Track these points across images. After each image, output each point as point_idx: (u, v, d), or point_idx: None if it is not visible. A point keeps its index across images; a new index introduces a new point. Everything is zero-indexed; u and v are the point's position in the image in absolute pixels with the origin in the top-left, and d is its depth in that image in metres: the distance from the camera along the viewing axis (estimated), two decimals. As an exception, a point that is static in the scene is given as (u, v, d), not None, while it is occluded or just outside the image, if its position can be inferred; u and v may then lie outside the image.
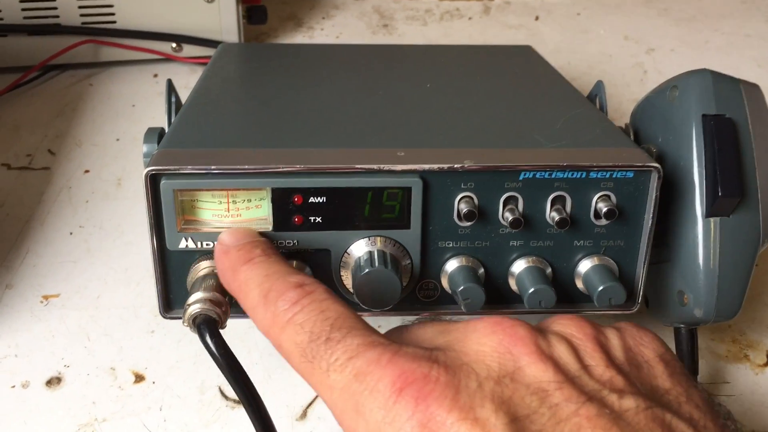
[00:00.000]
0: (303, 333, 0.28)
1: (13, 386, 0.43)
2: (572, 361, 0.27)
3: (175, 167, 0.35)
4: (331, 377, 0.27)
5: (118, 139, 0.67)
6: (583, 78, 0.79)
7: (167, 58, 0.78)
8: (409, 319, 0.37)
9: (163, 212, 0.36)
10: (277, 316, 0.29)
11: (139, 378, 0.44)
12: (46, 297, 0.50)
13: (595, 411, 0.24)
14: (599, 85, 0.49)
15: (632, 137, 0.46)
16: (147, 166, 0.36)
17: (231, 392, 0.43)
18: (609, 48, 0.86)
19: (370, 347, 0.27)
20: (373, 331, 0.28)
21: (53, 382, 0.44)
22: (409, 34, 0.89)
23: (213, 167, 0.35)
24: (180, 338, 0.46)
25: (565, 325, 0.30)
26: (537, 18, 0.93)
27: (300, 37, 0.88)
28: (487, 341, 0.27)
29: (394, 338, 0.29)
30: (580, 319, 0.30)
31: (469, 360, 0.27)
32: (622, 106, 0.74)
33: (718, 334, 0.48)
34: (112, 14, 0.74)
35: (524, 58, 0.60)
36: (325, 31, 0.89)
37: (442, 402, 0.24)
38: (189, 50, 0.78)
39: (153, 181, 0.36)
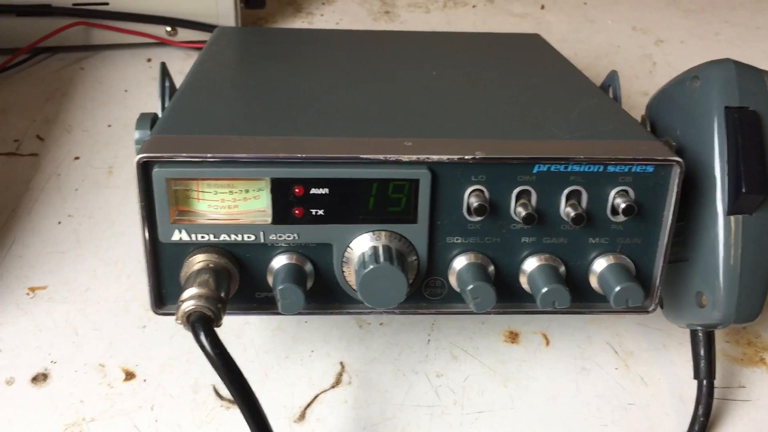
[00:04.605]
0: None
1: (-4, 383, 0.41)
2: None
3: (169, 154, 0.33)
4: None
5: (109, 125, 0.65)
6: (590, 69, 0.77)
7: (161, 42, 0.75)
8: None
9: (156, 202, 0.34)
10: None
11: (129, 375, 0.42)
12: (32, 289, 0.48)
13: None
14: (614, 75, 0.47)
15: (649, 130, 0.44)
16: (138, 152, 0.33)
17: (226, 391, 0.41)
18: (617, 39, 0.84)
19: None
20: None
21: (39, 378, 0.42)
22: (411, 21, 0.87)
23: (209, 155, 0.33)
24: (173, 334, 0.44)
25: None
26: (543, 7, 0.91)
27: (299, 23, 0.86)
28: None
29: None
30: None
31: None
32: (630, 99, 0.71)
33: (732, 336, 0.47)
34: (106, -5, 0.72)
35: (533, 46, 0.57)
36: (324, 17, 0.87)
37: None
38: (184, 34, 0.75)
39: (145, 169, 0.33)
